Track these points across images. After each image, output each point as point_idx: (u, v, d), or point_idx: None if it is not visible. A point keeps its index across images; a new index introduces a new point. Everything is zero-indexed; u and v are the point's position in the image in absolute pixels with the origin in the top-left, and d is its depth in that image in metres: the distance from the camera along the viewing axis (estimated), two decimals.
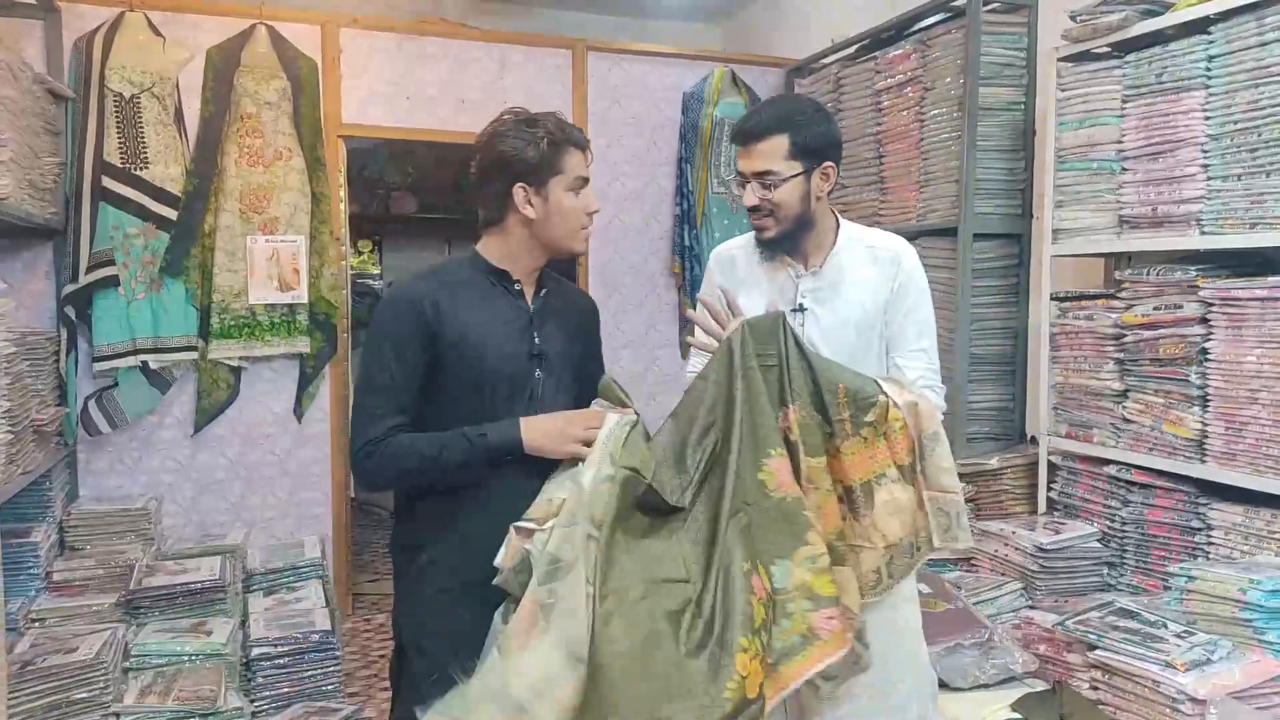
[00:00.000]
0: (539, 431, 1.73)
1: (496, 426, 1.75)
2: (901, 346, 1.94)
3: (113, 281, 3.47)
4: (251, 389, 3.79)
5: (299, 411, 3.85)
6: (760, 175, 1.85)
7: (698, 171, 4.40)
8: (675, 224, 4.47)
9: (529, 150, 1.77)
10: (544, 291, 1.90)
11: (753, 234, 1.97)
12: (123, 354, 3.50)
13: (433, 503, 1.80)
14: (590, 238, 1.92)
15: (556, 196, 1.79)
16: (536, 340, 1.84)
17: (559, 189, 1.79)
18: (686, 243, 4.41)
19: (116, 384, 3.53)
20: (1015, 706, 2.17)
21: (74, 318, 3.42)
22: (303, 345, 3.80)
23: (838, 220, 1.97)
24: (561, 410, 1.83)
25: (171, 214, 3.57)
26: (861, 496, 1.72)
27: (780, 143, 1.84)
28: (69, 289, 3.42)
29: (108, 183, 3.47)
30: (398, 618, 1.87)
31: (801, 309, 1.91)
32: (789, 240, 1.90)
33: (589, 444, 1.69)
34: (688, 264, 4.41)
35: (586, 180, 1.84)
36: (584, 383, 1.93)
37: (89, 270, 3.44)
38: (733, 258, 2.03)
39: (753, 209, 1.89)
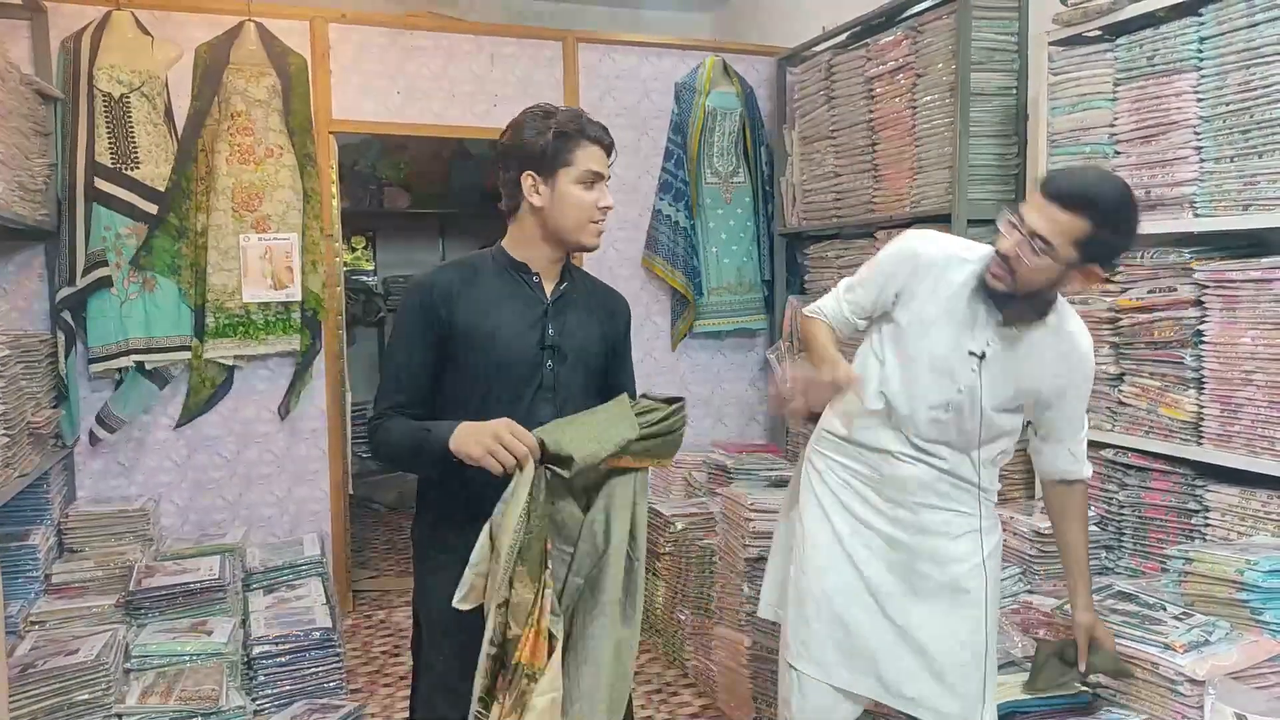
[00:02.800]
0: (463, 433, 1.66)
1: (440, 425, 1.72)
2: (1075, 434, 1.99)
3: (106, 283, 3.46)
4: (247, 387, 3.78)
5: (283, 410, 3.82)
6: (1035, 238, 1.73)
7: (691, 162, 4.38)
8: (654, 219, 4.36)
9: (539, 139, 1.81)
10: (564, 285, 1.91)
11: (965, 247, 1.94)
12: (117, 355, 3.49)
13: (444, 488, 1.85)
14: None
15: (563, 187, 1.82)
16: (550, 332, 1.85)
17: (565, 180, 1.82)
18: (690, 230, 4.34)
19: (118, 388, 3.54)
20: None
21: (70, 320, 3.41)
22: (297, 343, 3.79)
23: (1058, 297, 1.90)
24: (575, 400, 1.86)
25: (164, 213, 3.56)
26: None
27: (1078, 226, 1.70)
28: (66, 292, 3.40)
29: (99, 183, 3.45)
30: (414, 592, 1.99)
31: (982, 356, 1.86)
32: (1012, 304, 1.83)
33: (509, 461, 1.62)
34: (691, 254, 4.35)
35: (600, 175, 1.84)
36: (601, 377, 1.96)
37: (85, 272, 3.43)
38: (932, 269, 1.90)
39: (1001, 256, 1.78)
